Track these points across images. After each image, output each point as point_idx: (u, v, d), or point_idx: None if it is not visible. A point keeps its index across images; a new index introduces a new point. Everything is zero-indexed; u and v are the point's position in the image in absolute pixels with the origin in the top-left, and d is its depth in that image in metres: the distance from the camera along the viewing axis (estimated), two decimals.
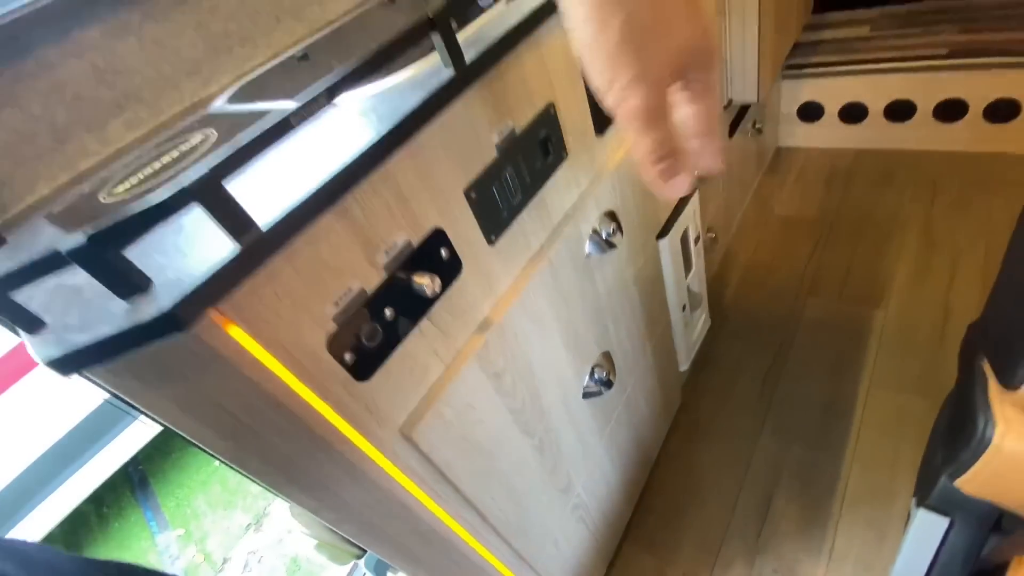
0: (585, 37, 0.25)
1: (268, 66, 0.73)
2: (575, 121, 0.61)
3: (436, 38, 0.41)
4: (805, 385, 1.20)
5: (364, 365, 0.41)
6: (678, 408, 1.21)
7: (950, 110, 1.50)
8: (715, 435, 1.18)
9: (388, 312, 0.42)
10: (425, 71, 0.46)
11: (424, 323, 0.46)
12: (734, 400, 1.23)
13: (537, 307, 0.60)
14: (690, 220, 1.01)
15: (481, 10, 0.57)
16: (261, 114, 0.49)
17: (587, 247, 0.68)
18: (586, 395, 0.76)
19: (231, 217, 0.30)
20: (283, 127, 0.31)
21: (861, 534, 0.96)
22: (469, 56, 0.44)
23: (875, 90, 1.58)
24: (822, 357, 1.24)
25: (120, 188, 0.48)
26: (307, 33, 0.87)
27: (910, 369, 1.15)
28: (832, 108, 1.67)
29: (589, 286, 0.70)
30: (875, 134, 1.66)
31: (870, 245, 1.43)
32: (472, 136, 0.48)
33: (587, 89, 0.61)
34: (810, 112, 1.72)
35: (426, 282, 0.42)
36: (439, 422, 0.48)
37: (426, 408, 0.47)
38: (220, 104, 0.65)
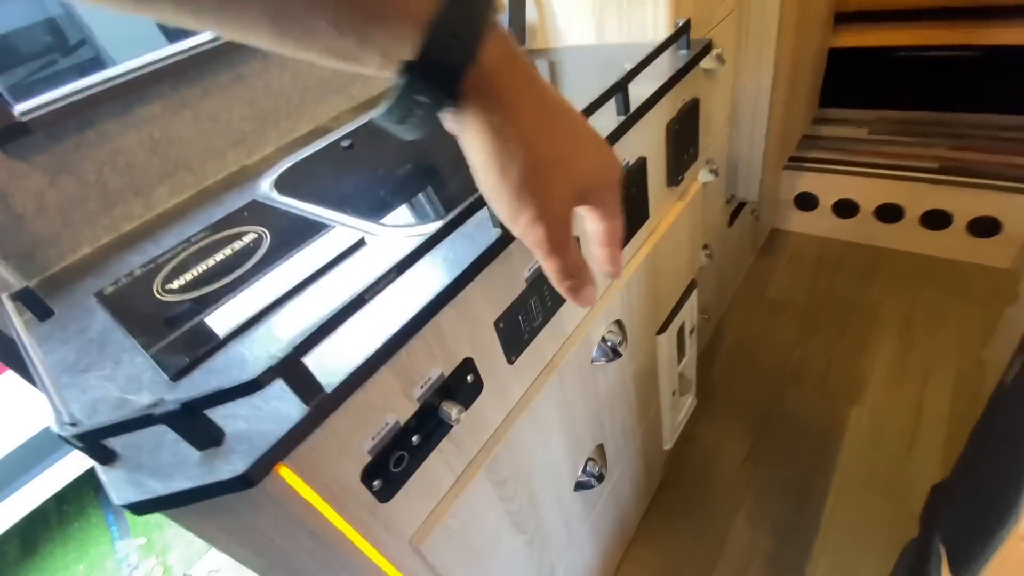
0: (487, 181, 0.27)
1: (313, 149, 0.78)
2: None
3: None
4: (781, 473, 1.25)
5: (388, 489, 0.44)
6: (659, 485, 1.25)
7: (936, 219, 1.60)
8: (692, 515, 1.22)
9: (415, 439, 0.45)
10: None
11: (443, 442, 0.50)
12: (713, 480, 1.27)
13: (544, 414, 0.64)
14: (687, 314, 1.06)
15: None
16: (312, 222, 0.53)
17: (594, 353, 0.72)
18: (578, 487, 0.80)
19: (305, 386, 0.34)
20: (357, 304, 0.35)
21: None
22: None
23: (867, 191, 1.67)
24: (799, 447, 1.29)
25: (175, 284, 0.52)
26: (348, 106, 0.92)
27: (879, 469, 1.21)
28: (826, 201, 1.77)
29: (592, 388, 0.75)
30: (864, 230, 1.75)
31: (852, 338, 1.50)
32: (507, 276, 0.52)
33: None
34: (806, 202, 1.81)
35: (453, 412, 0.46)
36: (445, 534, 0.52)
37: (435, 521, 0.51)
38: (267, 190, 0.69)
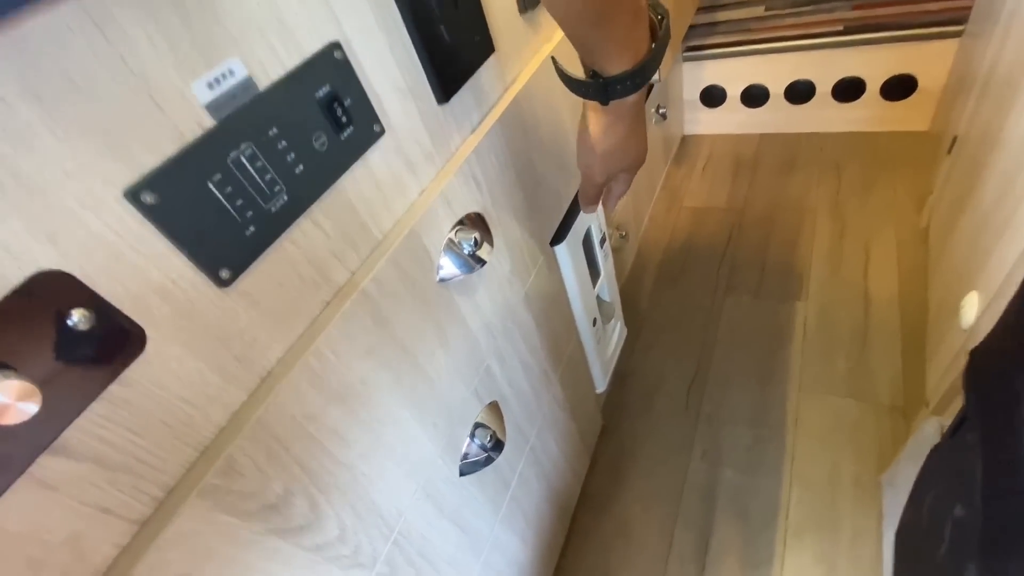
0: (587, 141, 0.47)
1: None
2: (391, 74, 0.40)
3: None
4: (732, 395, 1.07)
5: None
6: (599, 433, 1.04)
7: (848, 89, 1.46)
8: (641, 462, 1.02)
9: None
10: None
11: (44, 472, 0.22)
12: (658, 416, 1.08)
13: (346, 374, 0.38)
14: (592, 219, 0.83)
15: None
16: None
17: (440, 267, 0.46)
18: (468, 468, 0.55)
19: None
20: None
21: (810, 572, 0.83)
22: None
23: (774, 71, 1.51)
24: (746, 361, 1.11)
25: None
26: None
27: (838, 368, 1.05)
28: (734, 91, 1.59)
29: (451, 321, 0.49)
30: (777, 117, 1.59)
31: (783, 235, 1.34)
32: (135, 90, 0.24)
33: (418, 17, 0.40)
34: (713, 97, 1.62)
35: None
36: None
37: None
38: None
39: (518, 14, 0.57)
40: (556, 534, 0.86)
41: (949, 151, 1.05)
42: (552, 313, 0.73)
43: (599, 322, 0.92)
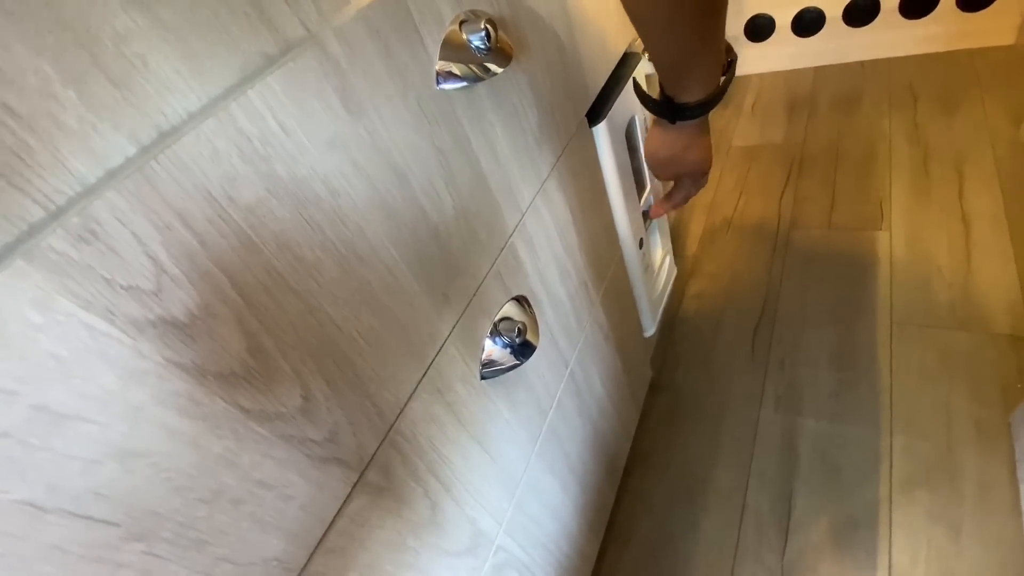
0: (654, 148, 0.52)
1: None
2: None
3: None
4: (808, 337, 0.91)
5: None
6: (648, 387, 0.90)
7: (918, 2, 1.28)
8: (701, 417, 0.87)
9: None
10: None
11: None
12: (719, 367, 0.92)
13: (301, 157, 0.26)
14: (637, 109, 0.70)
15: None
16: None
17: (436, 60, 0.34)
18: (488, 367, 0.43)
19: None
20: None
21: (926, 533, 0.66)
22: None
23: None
24: (821, 299, 0.95)
25: None
26: None
27: (939, 299, 0.88)
28: (783, 19, 1.43)
29: (454, 145, 0.37)
30: (835, 45, 1.42)
31: (853, 166, 1.17)
32: None
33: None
34: (759, 29, 1.46)
35: None
36: None
37: None
38: None
39: None
40: (604, 492, 0.72)
41: None
42: (589, 209, 0.60)
43: (645, 244, 0.79)
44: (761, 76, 1.54)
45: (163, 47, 0.21)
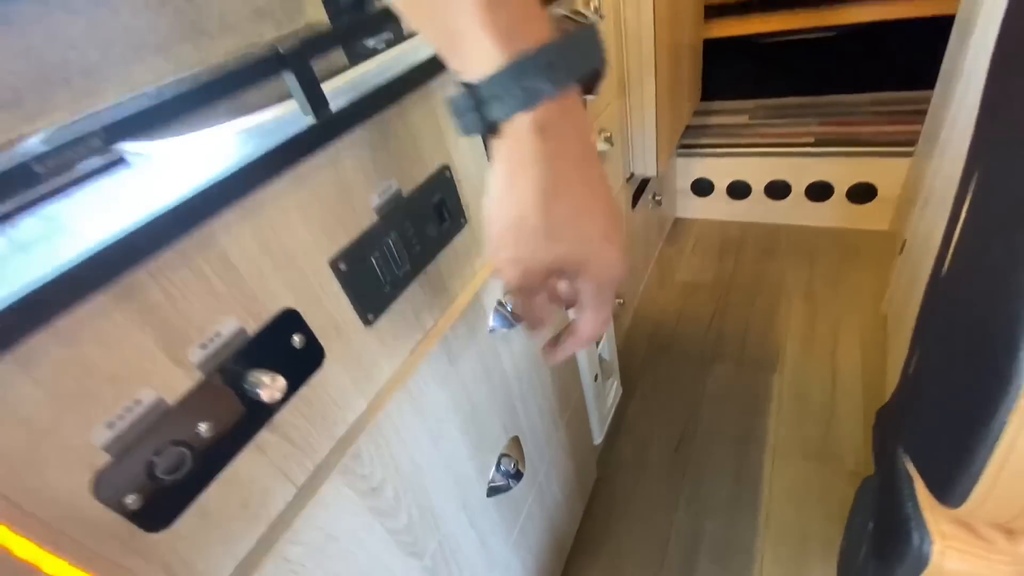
0: (489, 206, 0.29)
1: None
2: (475, 185, 0.55)
3: (290, 79, 0.33)
4: (715, 454, 1.18)
5: (160, 508, 0.29)
6: (595, 482, 1.14)
7: (819, 191, 1.67)
8: (632, 511, 1.11)
9: (203, 427, 0.30)
10: (284, 116, 0.37)
11: (263, 435, 0.34)
12: (649, 471, 1.18)
13: (429, 396, 0.50)
14: None
15: (371, 52, 0.51)
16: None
17: (491, 321, 0.60)
18: (492, 492, 0.66)
19: None
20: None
21: None
22: (337, 103, 0.36)
23: (755, 170, 1.73)
24: (729, 424, 1.24)
25: None
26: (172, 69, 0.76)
27: (809, 435, 1.17)
28: (720, 185, 1.81)
29: (494, 365, 0.62)
30: (758, 209, 1.80)
31: (762, 311, 1.50)
32: (342, 196, 0.39)
33: (487, 152, 0.56)
34: (702, 188, 1.84)
35: (263, 382, 0.31)
36: (284, 568, 0.36)
37: (265, 552, 0.35)
38: None
39: None
40: (553, 572, 0.94)
41: (900, 252, 1.23)
42: (563, 367, 0.86)
43: (600, 378, 1.05)
44: (702, 222, 1.91)
45: (384, 351, 0.46)
